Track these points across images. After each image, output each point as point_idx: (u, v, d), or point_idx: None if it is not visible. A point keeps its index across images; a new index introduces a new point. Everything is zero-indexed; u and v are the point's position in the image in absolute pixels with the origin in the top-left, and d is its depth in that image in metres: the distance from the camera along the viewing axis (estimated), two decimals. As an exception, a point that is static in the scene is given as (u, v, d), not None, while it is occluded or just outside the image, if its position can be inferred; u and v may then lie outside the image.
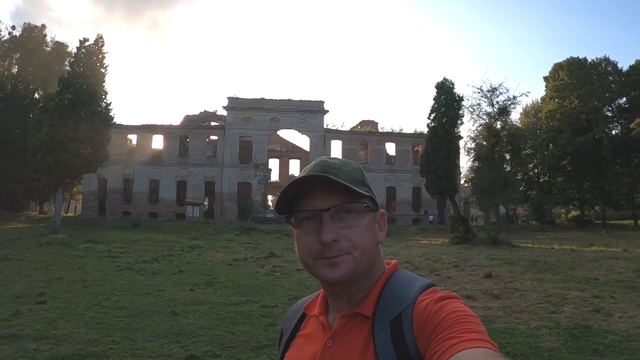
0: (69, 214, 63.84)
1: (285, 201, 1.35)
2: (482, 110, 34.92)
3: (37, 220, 48.42)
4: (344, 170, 1.34)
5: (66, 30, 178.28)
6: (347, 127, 63.58)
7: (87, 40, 38.89)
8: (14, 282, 13.17)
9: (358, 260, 1.29)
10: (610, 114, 59.26)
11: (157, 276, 15.07)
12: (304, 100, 60.60)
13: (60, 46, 63.10)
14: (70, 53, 53.59)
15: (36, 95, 60.08)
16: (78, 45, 38.99)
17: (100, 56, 38.85)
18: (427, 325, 1.18)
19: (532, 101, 70.68)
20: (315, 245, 1.29)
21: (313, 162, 1.39)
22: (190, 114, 66.99)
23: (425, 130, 38.91)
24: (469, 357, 1.02)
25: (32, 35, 61.07)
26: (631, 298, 11.58)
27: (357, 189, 1.29)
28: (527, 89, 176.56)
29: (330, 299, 1.41)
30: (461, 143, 37.13)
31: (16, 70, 61.60)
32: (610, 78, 57.92)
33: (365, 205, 1.33)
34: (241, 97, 59.90)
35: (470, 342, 1.06)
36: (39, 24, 64.79)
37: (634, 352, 7.42)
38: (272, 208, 57.84)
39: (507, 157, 39.30)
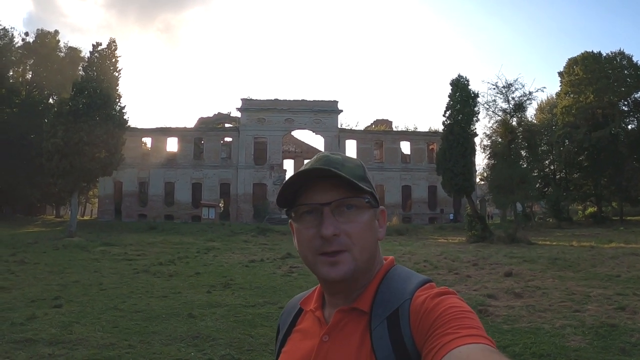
0: (85, 218, 64.33)
1: (287, 195, 1.36)
2: (498, 106, 34.58)
3: (53, 224, 48.83)
4: (346, 165, 1.34)
5: (79, 35, 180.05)
6: (361, 127, 63.73)
7: (100, 44, 38.91)
8: (29, 286, 13.15)
9: (357, 258, 1.29)
10: (626, 109, 58.27)
11: (174, 278, 15.01)
12: (318, 100, 60.49)
13: (73, 51, 63.61)
14: (83, 58, 53.73)
15: (50, 100, 60.66)
16: (91, 50, 39.02)
17: (114, 60, 38.87)
18: (424, 320, 1.18)
19: (547, 97, 70.08)
20: (315, 240, 1.29)
21: (315, 157, 1.39)
22: (204, 116, 67.44)
23: (440, 128, 38.75)
24: (465, 353, 1.02)
25: (46, 41, 61.59)
26: (655, 295, 11.32)
27: (359, 184, 1.30)
28: (542, 84, 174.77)
29: (328, 295, 1.42)
30: (477, 140, 36.82)
31: (30, 76, 62.28)
32: (626, 72, 56.98)
33: (367, 201, 1.34)
34: (255, 98, 60.02)
35: (467, 338, 1.06)
36: (51, 30, 65.09)
37: (663, 351, 7.21)
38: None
39: (524, 153, 38.96)
